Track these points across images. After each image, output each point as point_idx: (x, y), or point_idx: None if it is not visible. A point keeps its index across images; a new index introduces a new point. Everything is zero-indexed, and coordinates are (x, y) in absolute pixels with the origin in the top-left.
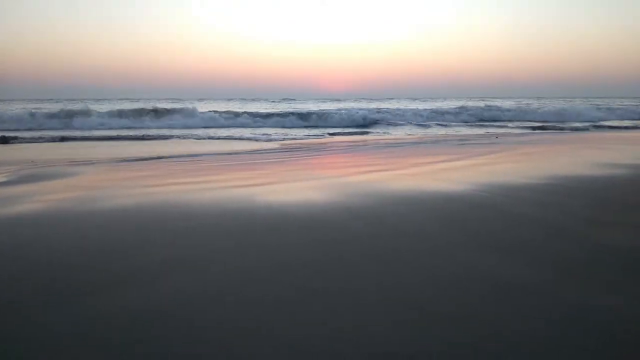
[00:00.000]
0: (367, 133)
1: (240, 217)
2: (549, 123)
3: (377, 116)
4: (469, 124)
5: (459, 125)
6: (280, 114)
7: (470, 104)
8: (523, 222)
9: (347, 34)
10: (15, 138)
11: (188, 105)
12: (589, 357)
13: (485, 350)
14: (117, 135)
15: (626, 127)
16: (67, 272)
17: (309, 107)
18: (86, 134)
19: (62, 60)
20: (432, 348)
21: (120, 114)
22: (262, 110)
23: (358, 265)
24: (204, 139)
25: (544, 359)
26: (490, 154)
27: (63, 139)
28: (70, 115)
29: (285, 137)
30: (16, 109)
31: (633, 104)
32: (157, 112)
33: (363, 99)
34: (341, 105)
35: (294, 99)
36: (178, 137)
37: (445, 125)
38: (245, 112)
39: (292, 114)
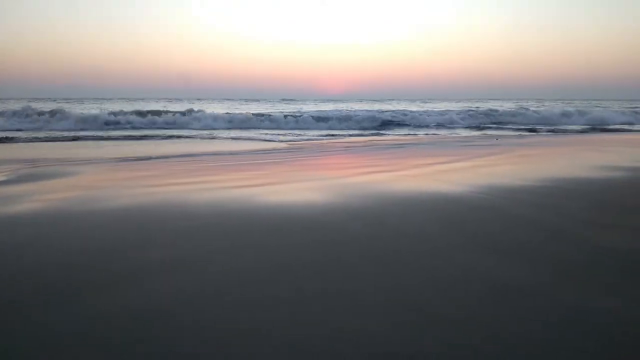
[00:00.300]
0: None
1: (240, 217)
2: (585, 126)
3: (400, 118)
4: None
5: (507, 130)
6: (303, 117)
7: (486, 106)
8: (521, 224)
9: (345, 34)
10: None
11: (198, 107)
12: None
13: (484, 352)
14: (145, 135)
15: None
16: (67, 272)
17: (313, 108)
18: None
19: (62, 60)
20: (431, 349)
21: (141, 114)
22: (265, 111)
23: (357, 266)
24: (231, 139)
25: None
26: (489, 156)
27: (75, 138)
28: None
29: (322, 138)
30: (43, 107)
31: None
32: (182, 114)
33: (364, 99)
34: (343, 106)
35: (293, 99)
36: (211, 137)
37: (481, 128)
38: (267, 114)
39: (312, 116)
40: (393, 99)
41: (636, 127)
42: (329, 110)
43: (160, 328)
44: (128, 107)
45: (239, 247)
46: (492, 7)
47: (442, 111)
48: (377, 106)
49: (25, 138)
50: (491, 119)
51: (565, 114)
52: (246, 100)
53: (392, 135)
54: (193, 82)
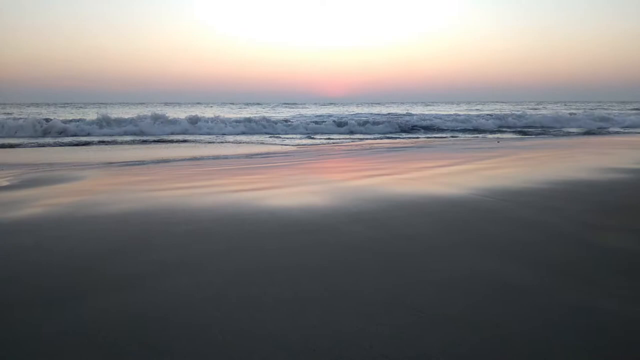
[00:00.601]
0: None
1: (241, 221)
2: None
3: (424, 123)
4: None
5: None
6: (336, 121)
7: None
8: (523, 226)
9: (343, 38)
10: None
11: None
12: (587, 359)
13: (486, 354)
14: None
15: None
16: (70, 275)
17: (316, 111)
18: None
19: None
20: (433, 351)
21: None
22: (273, 115)
23: (358, 268)
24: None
25: None
26: (491, 158)
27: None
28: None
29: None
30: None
31: None
32: (204, 120)
33: (364, 103)
34: (346, 109)
35: (294, 103)
36: (249, 143)
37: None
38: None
39: (334, 121)
40: (394, 102)
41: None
42: (351, 115)
43: (160, 331)
44: (128, 111)
45: (240, 250)
46: (493, 9)
47: (470, 115)
48: (382, 110)
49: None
50: (523, 121)
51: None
52: (247, 104)
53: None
54: (193, 87)
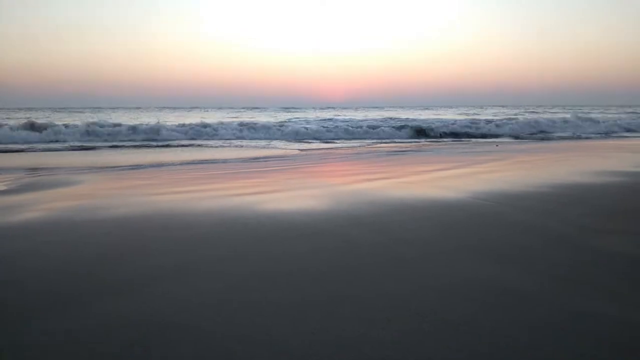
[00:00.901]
0: None
1: (242, 225)
2: None
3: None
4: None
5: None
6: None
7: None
8: (522, 230)
9: (343, 42)
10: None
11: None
12: None
13: (487, 359)
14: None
15: None
16: (69, 280)
17: (320, 115)
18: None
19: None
20: (434, 356)
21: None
22: (280, 120)
23: (359, 272)
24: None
25: None
26: (489, 162)
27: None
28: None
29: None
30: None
31: None
32: (249, 127)
33: (366, 107)
34: (353, 114)
35: (295, 108)
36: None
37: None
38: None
39: (389, 125)
40: (397, 107)
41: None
42: (377, 120)
43: (162, 335)
44: (133, 117)
45: (240, 255)
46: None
47: (506, 119)
48: (383, 114)
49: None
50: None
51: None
52: (249, 108)
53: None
54: (193, 91)
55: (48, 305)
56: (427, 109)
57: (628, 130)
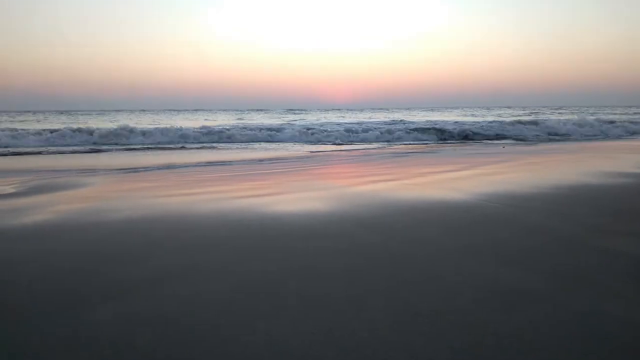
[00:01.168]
0: None
1: (247, 227)
2: None
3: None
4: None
5: None
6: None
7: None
8: (530, 231)
9: (344, 42)
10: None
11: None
12: None
13: (491, 358)
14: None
15: None
16: (75, 281)
17: (324, 118)
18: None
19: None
20: (437, 356)
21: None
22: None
23: (363, 274)
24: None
25: None
26: (496, 164)
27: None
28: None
29: None
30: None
31: None
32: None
33: (374, 109)
34: (363, 116)
35: (302, 110)
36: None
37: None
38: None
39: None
40: (401, 108)
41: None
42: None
43: (166, 336)
44: (140, 120)
45: (245, 256)
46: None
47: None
48: (392, 116)
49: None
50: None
51: None
52: (254, 110)
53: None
54: (195, 93)
55: (55, 307)
56: (431, 110)
57: None
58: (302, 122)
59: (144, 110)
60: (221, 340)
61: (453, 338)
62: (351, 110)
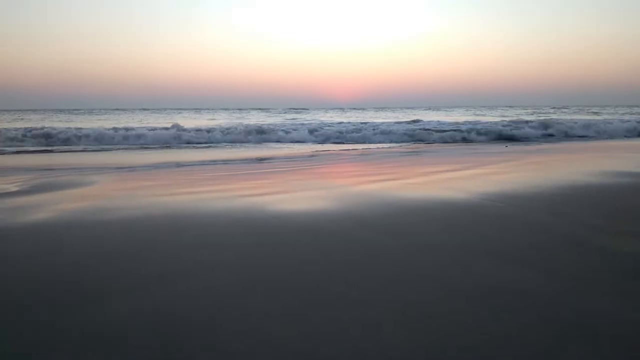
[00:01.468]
0: None
1: (250, 226)
2: None
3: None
4: None
5: None
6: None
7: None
8: (534, 231)
9: (344, 41)
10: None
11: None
12: None
13: (494, 358)
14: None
15: None
16: (77, 280)
17: (331, 118)
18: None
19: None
20: (439, 356)
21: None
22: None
23: (365, 274)
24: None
25: None
26: (499, 163)
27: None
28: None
29: None
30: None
31: None
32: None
33: (377, 108)
34: (361, 115)
35: (305, 109)
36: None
37: None
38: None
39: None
40: (404, 107)
41: None
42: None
43: (165, 334)
44: (144, 119)
45: (248, 256)
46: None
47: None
48: (399, 116)
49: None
50: None
51: None
52: (257, 109)
53: None
54: (194, 92)
55: (61, 304)
56: (433, 109)
57: None
58: (335, 125)
59: (145, 109)
60: (225, 339)
61: (459, 339)
62: (354, 109)
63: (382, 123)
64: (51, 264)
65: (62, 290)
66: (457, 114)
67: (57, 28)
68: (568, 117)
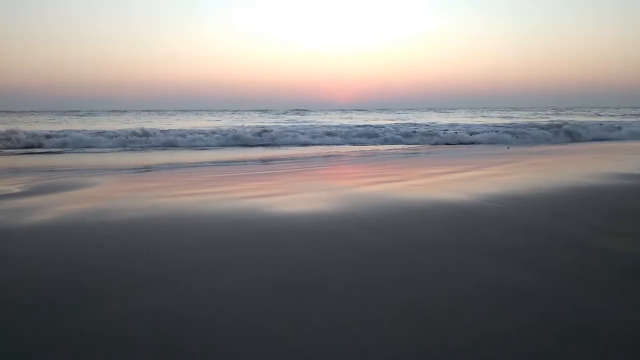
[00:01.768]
0: None
1: (251, 228)
2: None
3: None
4: None
5: None
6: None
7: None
8: (535, 233)
9: (348, 41)
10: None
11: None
12: None
13: (496, 358)
14: None
15: None
16: (81, 280)
17: (333, 120)
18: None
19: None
20: (440, 356)
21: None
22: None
23: (366, 275)
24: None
25: None
26: (500, 165)
27: None
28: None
29: None
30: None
31: None
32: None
33: (378, 110)
34: (365, 117)
35: (307, 110)
36: None
37: None
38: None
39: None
40: (405, 109)
41: None
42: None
43: (166, 334)
44: (148, 121)
45: (249, 257)
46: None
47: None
48: (403, 118)
49: None
50: None
51: None
52: (259, 111)
53: None
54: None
55: (63, 304)
56: (433, 110)
57: None
58: (358, 128)
59: (147, 111)
60: (226, 339)
61: (459, 340)
62: (357, 110)
63: (425, 124)
64: (52, 264)
65: (62, 290)
66: (459, 115)
67: (56, 28)
68: (583, 119)
